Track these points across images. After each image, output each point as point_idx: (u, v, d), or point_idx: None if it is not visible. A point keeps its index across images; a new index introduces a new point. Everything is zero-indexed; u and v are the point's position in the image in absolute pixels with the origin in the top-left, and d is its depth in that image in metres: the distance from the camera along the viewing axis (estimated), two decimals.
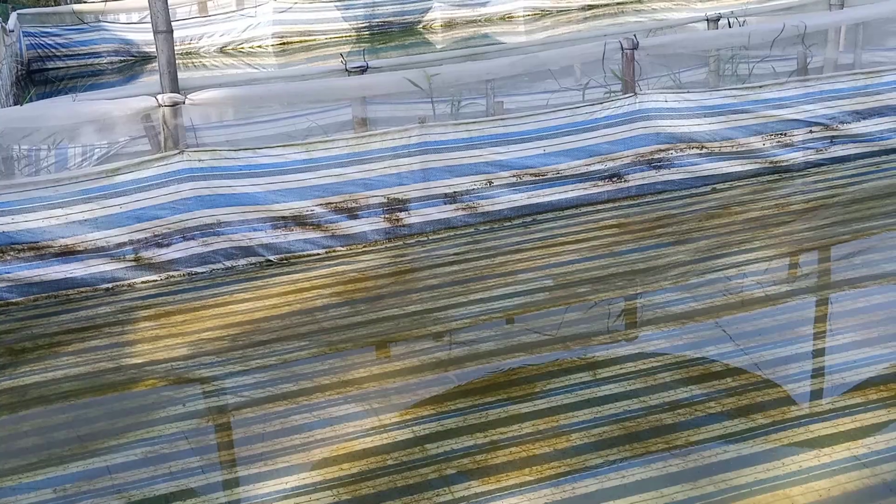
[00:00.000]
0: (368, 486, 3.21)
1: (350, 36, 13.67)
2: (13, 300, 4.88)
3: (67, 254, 4.92)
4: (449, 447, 3.40)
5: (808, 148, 6.18)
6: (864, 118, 6.26)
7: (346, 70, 5.89)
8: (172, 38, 5.31)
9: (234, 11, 13.45)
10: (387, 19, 13.93)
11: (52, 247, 4.90)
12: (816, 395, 3.63)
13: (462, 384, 3.85)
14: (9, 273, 4.85)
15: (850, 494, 3.03)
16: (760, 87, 6.06)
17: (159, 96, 5.18)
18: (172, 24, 5.38)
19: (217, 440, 3.62)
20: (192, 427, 3.67)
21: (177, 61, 5.38)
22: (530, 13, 14.43)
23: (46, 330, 4.63)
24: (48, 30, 12.48)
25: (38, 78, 12.07)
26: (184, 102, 5.19)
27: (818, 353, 3.97)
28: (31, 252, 4.88)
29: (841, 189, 5.89)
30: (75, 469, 3.44)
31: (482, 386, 3.82)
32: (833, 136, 6.22)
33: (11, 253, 4.85)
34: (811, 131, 6.16)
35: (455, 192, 5.52)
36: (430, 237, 5.49)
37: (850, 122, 6.24)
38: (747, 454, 3.25)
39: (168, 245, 5.07)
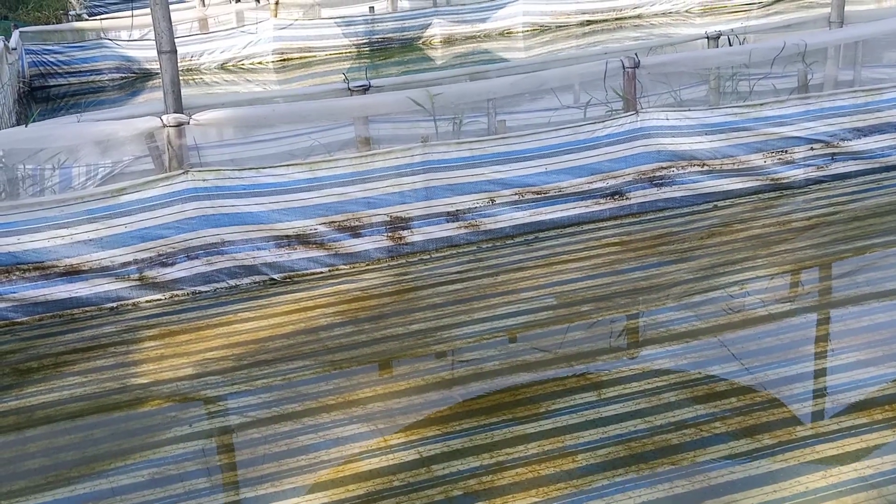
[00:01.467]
0: None
1: (350, 52, 13.73)
2: (19, 320, 4.89)
3: (72, 273, 4.93)
4: (455, 468, 3.40)
5: (808, 165, 6.20)
6: (864, 135, 6.29)
7: (349, 89, 5.92)
8: (176, 58, 5.34)
9: (234, 28, 13.53)
10: (386, 35, 14.00)
11: (57, 266, 4.91)
12: (822, 414, 3.64)
13: (467, 404, 3.86)
14: (14, 293, 4.86)
15: None
16: (761, 104, 6.09)
17: (164, 117, 5.20)
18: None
19: (223, 461, 3.63)
20: (199, 448, 3.68)
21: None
22: (529, 29, 14.50)
23: (52, 350, 4.64)
24: (50, 47, 12.55)
25: (40, 95, 12.12)
26: (188, 123, 5.22)
27: (822, 372, 3.98)
28: (36, 272, 4.89)
29: (842, 206, 5.91)
30: (82, 490, 3.44)
31: (487, 406, 3.83)
32: (834, 154, 6.25)
33: (17, 273, 4.86)
34: (812, 148, 6.19)
35: (457, 211, 5.54)
36: (433, 255, 5.50)
37: (850, 140, 6.27)
38: (754, 475, 3.25)
39: (172, 264, 5.09)
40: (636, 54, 5.84)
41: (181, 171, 5.13)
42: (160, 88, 5.44)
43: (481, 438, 3.58)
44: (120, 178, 5.72)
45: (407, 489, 3.31)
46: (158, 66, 5.34)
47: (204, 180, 5.13)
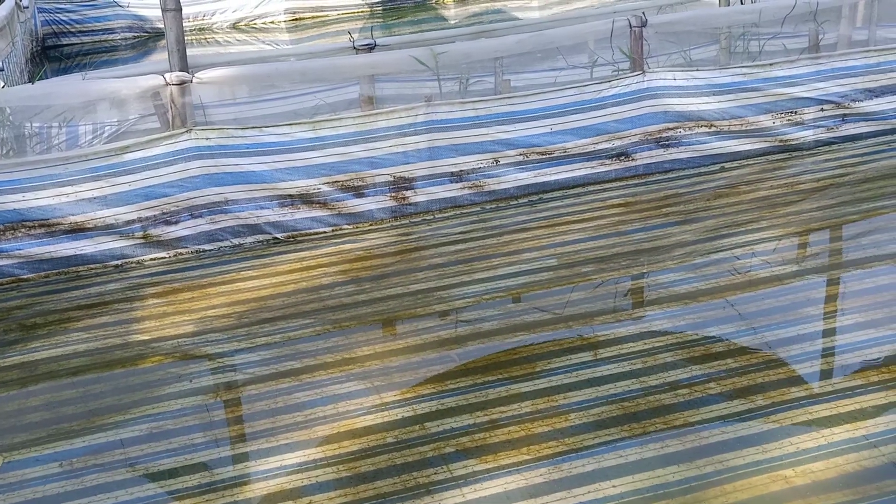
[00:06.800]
0: (368, 463, 3.25)
1: (363, 12, 13.60)
2: (24, 276, 4.94)
3: (77, 231, 4.97)
4: (448, 426, 3.43)
5: (818, 126, 6.13)
6: (876, 96, 6.20)
7: (354, 48, 5.89)
8: (181, 16, 5.33)
9: None
10: None
11: (62, 224, 4.95)
12: (817, 376, 3.64)
13: (464, 363, 3.88)
14: (20, 250, 4.91)
15: (847, 476, 3.04)
16: (771, 64, 6.01)
17: (167, 75, 5.20)
18: None
19: (221, 417, 3.67)
20: (198, 403, 3.73)
21: (190, 37, 5.41)
22: None
23: (57, 306, 4.69)
24: (62, 6, 12.50)
25: (53, 54, 12.11)
26: (191, 81, 5.21)
27: (821, 334, 3.97)
28: (41, 229, 4.93)
29: (851, 168, 5.85)
30: (82, 444, 3.50)
31: (483, 365, 3.85)
32: (844, 115, 6.17)
33: (23, 230, 4.90)
34: (822, 109, 6.11)
35: (461, 171, 5.52)
36: (436, 216, 5.50)
37: (862, 100, 6.18)
38: (745, 435, 3.26)
39: (176, 223, 5.12)
40: (643, 13, 5.76)
41: (184, 130, 5.14)
42: None
43: (476, 397, 3.60)
44: (126, 136, 5.72)
45: (400, 446, 3.34)
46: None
47: (207, 139, 5.14)
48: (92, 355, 4.18)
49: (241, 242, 5.23)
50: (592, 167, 5.75)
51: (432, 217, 5.49)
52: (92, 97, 5.36)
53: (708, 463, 3.13)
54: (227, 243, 5.21)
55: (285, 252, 5.14)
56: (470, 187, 5.56)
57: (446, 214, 5.51)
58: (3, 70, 6.20)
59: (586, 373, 3.71)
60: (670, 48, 6.35)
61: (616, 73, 5.96)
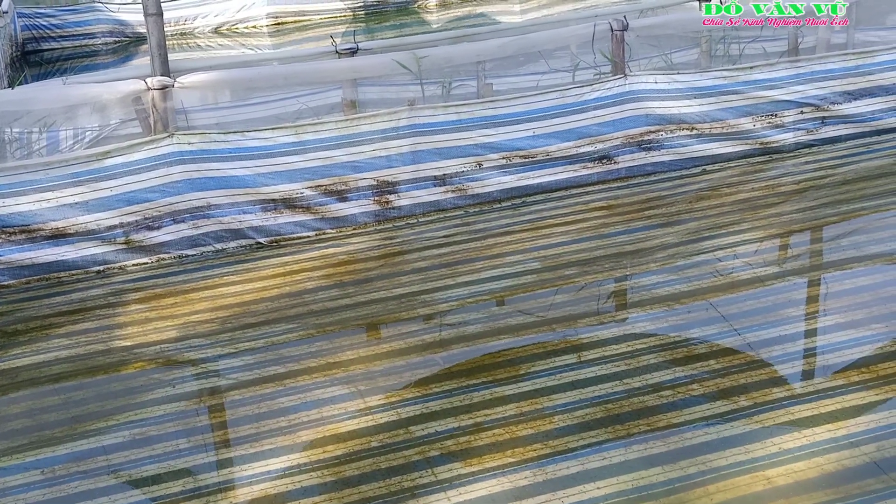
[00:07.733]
0: (352, 467, 3.25)
1: (345, 16, 13.61)
2: (5, 283, 4.91)
3: (59, 237, 4.94)
4: (433, 429, 3.43)
5: (798, 129, 6.18)
6: (855, 99, 6.26)
7: (337, 52, 5.88)
8: (162, 20, 5.31)
9: None
10: None
11: (43, 230, 4.92)
12: (799, 377, 3.67)
13: (448, 367, 3.88)
14: (0, 256, 4.87)
15: (828, 475, 3.06)
16: (751, 67, 6.05)
17: (148, 79, 5.18)
18: (167, 4, 5.39)
19: (205, 422, 3.66)
20: (181, 409, 3.71)
21: (172, 42, 5.40)
22: None
23: (38, 312, 4.66)
24: (43, 10, 12.44)
25: (33, 59, 12.05)
26: (173, 85, 5.20)
27: (802, 335, 4.00)
28: (22, 235, 4.90)
29: (831, 170, 5.90)
30: (64, 451, 3.47)
31: (468, 368, 3.85)
32: (824, 117, 6.22)
33: (3, 236, 4.87)
34: (802, 112, 6.16)
35: (444, 175, 5.53)
36: (420, 219, 5.50)
37: (841, 103, 6.24)
38: (728, 436, 3.28)
39: (158, 228, 5.09)
40: (625, 16, 5.79)
41: (166, 135, 5.12)
42: None
43: (460, 400, 3.61)
44: (108, 141, 5.70)
45: (384, 450, 3.34)
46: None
47: (189, 143, 5.12)
48: (74, 362, 4.15)
49: (224, 247, 5.21)
50: (575, 170, 5.77)
51: (416, 221, 5.49)
52: (73, 102, 5.33)
53: (691, 464, 3.15)
54: (209, 248, 5.19)
55: (268, 257, 5.13)
56: (453, 191, 5.57)
57: (430, 218, 5.51)
58: None
59: (570, 375, 3.73)
60: (651, 52, 6.40)
61: (598, 76, 5.99)
